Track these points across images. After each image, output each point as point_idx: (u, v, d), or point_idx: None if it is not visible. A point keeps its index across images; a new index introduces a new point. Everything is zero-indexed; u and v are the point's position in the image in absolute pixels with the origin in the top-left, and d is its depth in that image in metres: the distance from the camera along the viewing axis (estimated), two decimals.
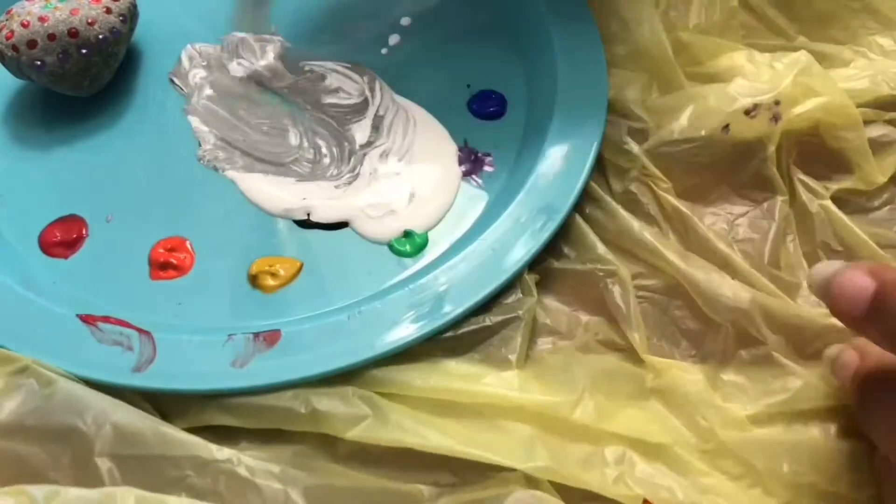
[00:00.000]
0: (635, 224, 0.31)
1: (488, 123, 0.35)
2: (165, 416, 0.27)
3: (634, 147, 0.33)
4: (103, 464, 0.25)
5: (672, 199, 0.32)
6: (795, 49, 0.35)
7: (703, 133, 0.32)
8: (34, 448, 0.26)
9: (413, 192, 0.33)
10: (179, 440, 0.26)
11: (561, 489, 0.26)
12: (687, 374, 0.29)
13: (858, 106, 0.34)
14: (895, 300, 0.24)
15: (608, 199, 0.32)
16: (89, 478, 0.25)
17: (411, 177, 0.34)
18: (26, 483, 0.25)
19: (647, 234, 0.31)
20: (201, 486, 0.25)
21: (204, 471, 0.25)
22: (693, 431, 0.28)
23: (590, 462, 0.27)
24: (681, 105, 0.33)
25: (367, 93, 0.36)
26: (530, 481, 0.26)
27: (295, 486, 0.25)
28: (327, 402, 0.27)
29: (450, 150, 0.35)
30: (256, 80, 0.37)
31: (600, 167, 0.33)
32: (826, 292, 0.26)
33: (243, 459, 0.26)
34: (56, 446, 0.26)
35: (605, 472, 0.26)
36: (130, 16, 0.35)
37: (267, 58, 0.37)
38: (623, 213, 0.32)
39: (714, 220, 0.32)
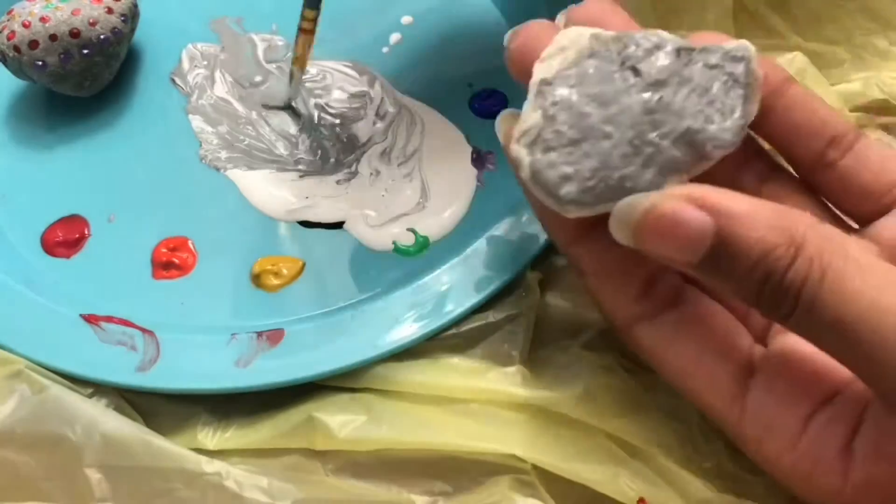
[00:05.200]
0: None
1: (490, 122, 0.33)
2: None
3: None
4: (93, 475, 0.24)
5: None
6: (790, 49, 0.34)
7: None
8: (25, 457, 0.24)
9: (425, 199, 0.32)
10: (168, 452, 0.25)
11: (555, 494, 0.25)
12: None
13: (851, 110, 0.32)
14: (744, 245, 0.18)
15: None
16: (79, 489, 0.24)
17: (422, 182, 0.32)
18: (17, 493, 0.24)
19: None
20: (189, 498, 0.24)
21: (192, 483, 0.24)
22: (695, 444, 0.26)
23: (587, 458, 0.25)
24: None
25: (368, 92, 0.35)
26: (523, 485, 0.25)
27: (283, 499, 0.24)
28: (323, 410, 0.26)
29: (463, 153, 0.33)
30: (257, 79, 0.36)
31: None
32: (640, 227, 0.19)
33: (232, 472, 0.24)
34: (46, 455, 0.24)
35: (602, 469, 0.25)
36: (131, 16, 0.34)
37: (267, 57, 0.36)
38: None
39: None
